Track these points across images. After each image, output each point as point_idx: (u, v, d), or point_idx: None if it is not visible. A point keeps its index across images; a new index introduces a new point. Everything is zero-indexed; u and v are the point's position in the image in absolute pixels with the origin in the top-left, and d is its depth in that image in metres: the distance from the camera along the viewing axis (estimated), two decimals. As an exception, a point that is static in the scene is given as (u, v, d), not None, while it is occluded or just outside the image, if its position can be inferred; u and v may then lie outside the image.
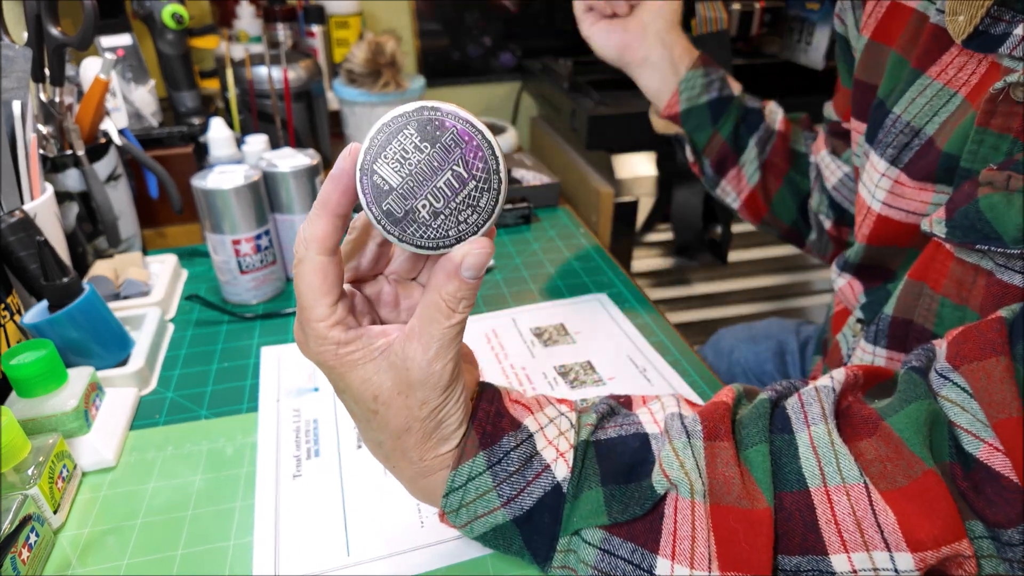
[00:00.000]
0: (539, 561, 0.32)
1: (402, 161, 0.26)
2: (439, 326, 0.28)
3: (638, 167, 1.04)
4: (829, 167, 0.61)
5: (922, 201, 0.45)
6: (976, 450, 0.29)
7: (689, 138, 0.66)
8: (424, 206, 0.27)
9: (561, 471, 0.31)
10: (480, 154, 0.26)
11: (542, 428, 0.33)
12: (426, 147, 0.26)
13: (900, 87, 0.45)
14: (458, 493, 0.31)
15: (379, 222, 0.27)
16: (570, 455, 0.32)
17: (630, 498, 0.31)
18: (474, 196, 0.27)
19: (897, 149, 0.45)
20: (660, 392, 0.52)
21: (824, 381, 0.34)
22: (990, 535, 0.28)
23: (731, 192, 0.68)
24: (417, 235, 0.27)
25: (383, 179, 0.26)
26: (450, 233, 0.27)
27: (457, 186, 0.26)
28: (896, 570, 0.27)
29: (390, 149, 0.26)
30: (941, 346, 0.34)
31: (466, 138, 0.26)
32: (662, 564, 0.29)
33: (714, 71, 0.64)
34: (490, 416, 0.33)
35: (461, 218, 0.27)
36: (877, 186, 0.47)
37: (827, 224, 0.63)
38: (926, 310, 0.43)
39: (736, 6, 1.07)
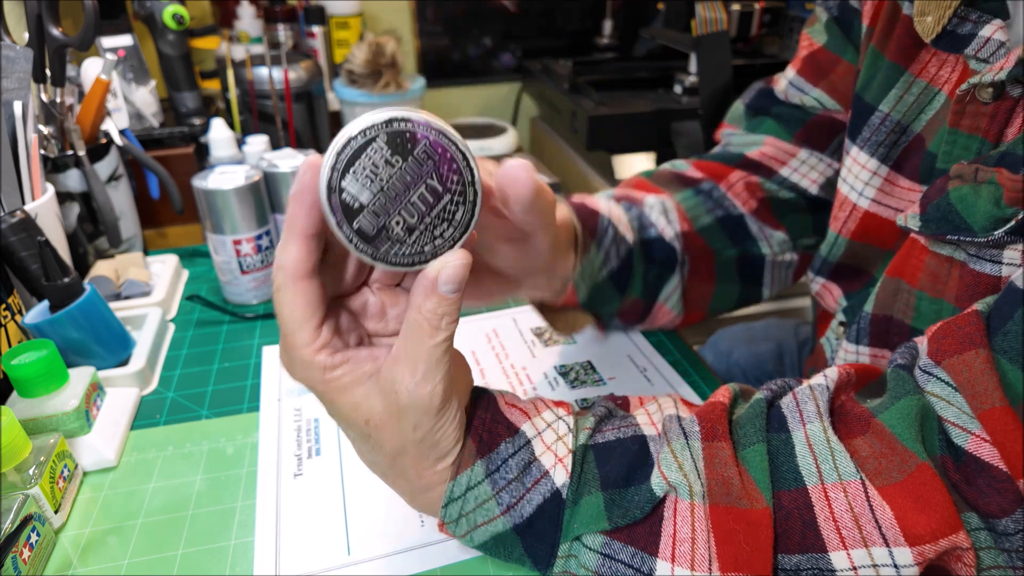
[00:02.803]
0: (540, 568, 0.32)
1: (372, 177, 0.25)
2: (423, 346, 0.27)
3: (638, 167, 1.04)
4: (815, 167, 0.55)
5: (911, 200, 0.45)
6: (964, 442, 0.29)
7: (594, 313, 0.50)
8: (398, 223, 0.25)
9: (560, 477, 0.31)
10: (455, 166, 0.25)
11: (539, 433, 0.32)
12: (397, 161, 0.25)
13: (879, 81, 0.46)
14: (457, 503, 0.31)
15: (350, 241, 0.25)
16: (568, 460, 0.32)
17: (630, 502, 0.31)
18: (449, 210, 0.26)
19: (887, 148, 0.45)
20: (660, 392, 0.52)
21: (818, 379, 0.34)
22: (986, 526, 0.28)
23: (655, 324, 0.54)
24: (391, 253, 0.26)
25: (352, 196, 0.25)
26: (426, 249, 0.26)
27: (432, 200, 0.25)
28: (895, 565, 0.27)
29: (359, 164, 0.24)
30: (922, 343, 0.34)
31: (439, 150, 0.25)
32: (662, 567, 0.29)
33: (603, 231, 0.45)
34: (486, 423, 0.32)
35: (436, 233, 0.26)
36: (867, 184, 0.47)
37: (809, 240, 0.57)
38: (904, 305, 0.43)
39: (736, 7, 1.07)
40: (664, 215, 0.51)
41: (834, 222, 0.52)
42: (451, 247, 0.26)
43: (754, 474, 0.30)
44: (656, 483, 0.31)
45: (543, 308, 0.48)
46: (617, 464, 0.32)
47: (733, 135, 0.59)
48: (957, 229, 0.37)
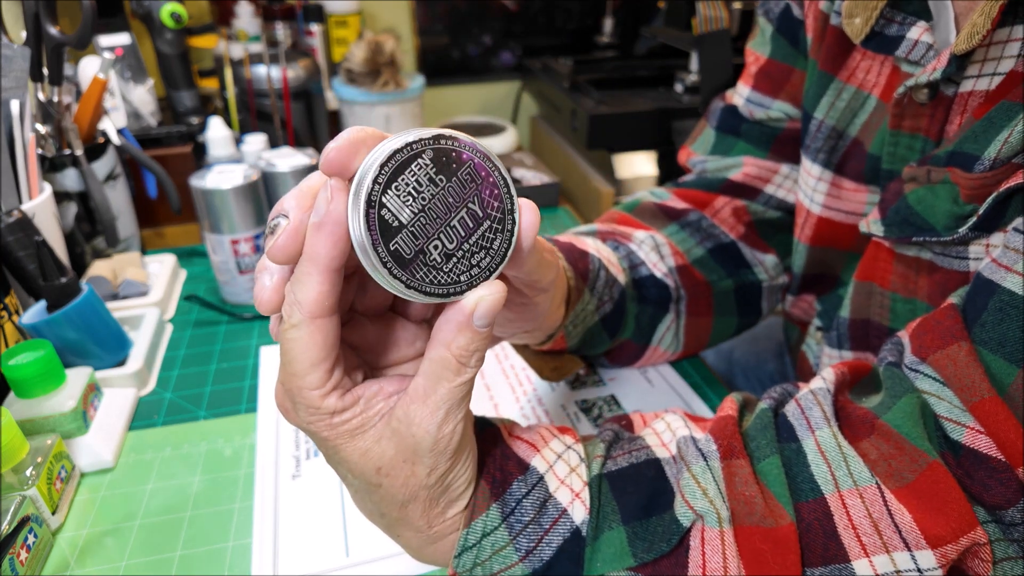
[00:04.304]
0: None
1: (415, 195, 0.22)
2: (448, 385, 0.25)
3: (638, 166, 1.03)
4: (794, 179, 0.54)
5: (858, 201, 0.47)
6: (960, 436, 0.29)
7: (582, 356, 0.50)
8: (436, 247, 0.23)
9: (579, 514, 0.30)
10: (496, 192, 0.24)
11: (551, 467, 0.31)
12: (442, 180, 0.23)
13: (813, 89, 0.47)
14: (472, 552, 0.29)
15: (384, 265, 0.22)
16: (585, 494, 0.30)
17: (653, 534, 0.29)
18: (488, 237, 0.24)
19: (827, 153, 0.47)
20: (661, 392, 0.52)
21: (817, 383, 0.34)
22: (993, 519, 0.28)
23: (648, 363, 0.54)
24: (427, 280, 0.23)
25: (392, 214, 0.22)
26: (462, 278, 0.24)
27: (472, 226, 0.24)
28: (919, 569, 0.27)
29: (402, 180, 0.22)
30: (905, 339, 0.34)
31: (483, 173, 0.24)
32: None
33: (595, 274, 0.43)
34: (496, 460, 0.30)
35: (474, 261, 0.24)
36: (815, 190, 0.49)
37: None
38: (879, 307, 0.44)
39: (737, 5, 1.07)
40: (656, 251, 0.49)
41: (795, 229, 0.53)
42: (486, 277, 0.25)
43: (774, 488, 0.30)
44: (681, 512, 0.29)
45: (527, 351, 0.47)
46: (635, 494, 0.31)
47: (707, 161, 0.57)
48: (920, 230, 0.37)
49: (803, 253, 0.52)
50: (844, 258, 0.50)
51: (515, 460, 0.31)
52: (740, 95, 0.56)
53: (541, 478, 0.30)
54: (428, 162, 0.23)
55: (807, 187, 0.50)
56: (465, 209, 0.23)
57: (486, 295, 0.24)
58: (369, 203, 0.22)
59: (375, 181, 0.22)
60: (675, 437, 0.33)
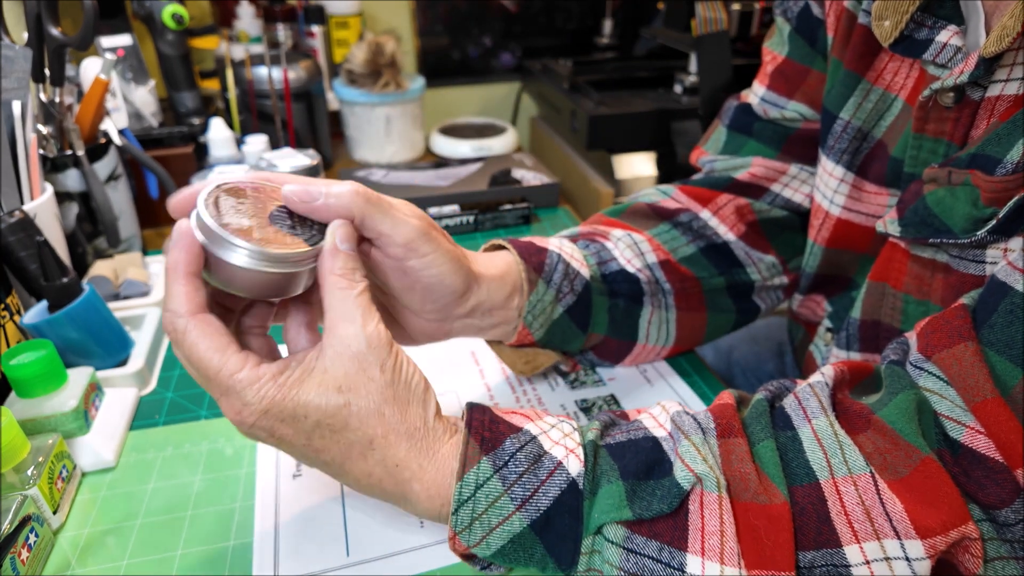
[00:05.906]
0: (564, 567, 0.31)
1: (240, 210, 0.31)
2: (349, 297, 0.31)
3: (638, 167, 1.04)
4: (807, 182, 0.54)
5: (879, 204, 0.46)
6: (960, 435, 0.29)
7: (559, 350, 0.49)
8: (281, 227, 0.32)
9: (575, 467, 0.30)
10: (276, 194, 0.33)
11: (545, 432, 0.32)
12: (244, 203, 0.32)
13: (838, 89, 0.46)
14: (467, 506, 0.30)
15: (262, 246, 0.30)
16: (580, 452, 0.31)
17: (652, 496, 0.30)
18: (299, 218, 0.33)
19: (851, 154, 0.47)
20: (660, 391, 0.52)
21: (816, 378, 0.34)
22: (987, 518, 0.28)
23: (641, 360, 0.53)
24: (300, 242, 0.32)
25: (238, 224, 0.30)
26: (313, 231, 0.33)
27: (286, 214, 0.33)
28: (907, 558, 0.27)
29: (223, 208, 0.30)
30: (912, 338, 0.34)
31: (259, 191, 0.33)
32: (692, 561, 0.28)
33: (552, 267, 0.44)
34: (485, 424, 0.32)
35: (307, 225, 0.33)
36: (836, 192, 0.48)
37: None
38: (891, 309, 0.44)
39: (736, 6, 1.07)
40: (632, 248, 0.49)
41: (811, 230, 0.52)
42: (325, 227, 0.33)
43: (768, 470, 0.30)
44: (682, 476, 0.30)
45: (499, 347, 0.48)
46: (633, 459, 0.31)
47: (716, 161, 0.57)
48: (938, 232, 0.37)
49: (818, 254, 0.52)
50: (859, 260, 0.50)
51: (506, 424, 0.32)
52: (755, 94, 0.56)
53: (534, 438, 0.32)
54: (227, 196, 0.31)
55: (827, 188, 0.49)
56: (273, 206, 0.32)
57: (335, 226, 0.32)
58: (221, 225, 0.30)
59: (210, 217, 0.29)
60: (669, 415, 0.34)
